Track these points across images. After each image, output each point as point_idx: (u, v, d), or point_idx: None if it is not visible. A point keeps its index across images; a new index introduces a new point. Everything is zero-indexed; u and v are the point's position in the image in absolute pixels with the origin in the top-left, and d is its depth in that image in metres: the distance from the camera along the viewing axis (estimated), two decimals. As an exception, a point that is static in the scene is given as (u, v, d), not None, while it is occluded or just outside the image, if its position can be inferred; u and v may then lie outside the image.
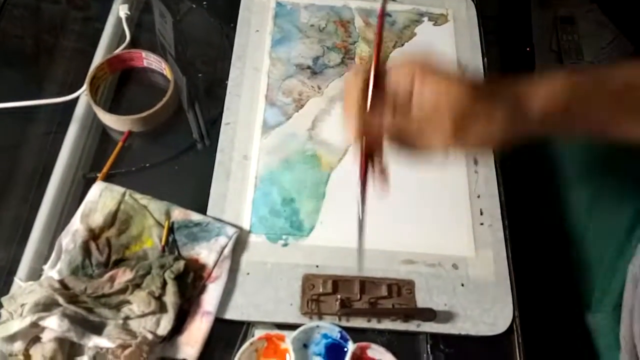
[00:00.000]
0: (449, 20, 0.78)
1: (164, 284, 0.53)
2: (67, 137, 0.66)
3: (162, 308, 0.53)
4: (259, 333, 0.54)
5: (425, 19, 0.78)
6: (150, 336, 0.51)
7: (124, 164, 0.64)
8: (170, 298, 0.53)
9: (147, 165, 0.65)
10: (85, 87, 0.67)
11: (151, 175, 0.64)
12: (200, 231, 0.58)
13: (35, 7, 0.80)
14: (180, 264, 0.54)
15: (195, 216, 0.59)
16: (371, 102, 0.44)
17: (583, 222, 0.71)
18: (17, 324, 0.50)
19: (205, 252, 0.57)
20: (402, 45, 0.75)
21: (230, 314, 0.55)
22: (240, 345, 0.53)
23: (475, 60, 0.74)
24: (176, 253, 0.57)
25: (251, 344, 0.52)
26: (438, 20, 0.78)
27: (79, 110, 0.68)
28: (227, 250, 0.57)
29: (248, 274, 0.57)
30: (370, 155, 0.46)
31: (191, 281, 0.55)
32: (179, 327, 0.53)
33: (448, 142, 0.44)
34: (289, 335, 0.52)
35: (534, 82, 0.46)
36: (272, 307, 0.56)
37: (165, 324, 0.52)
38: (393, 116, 0.44)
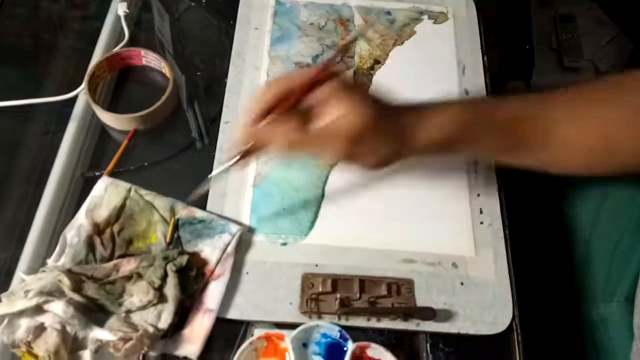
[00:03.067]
0: (448, 18, 0.77)
1: (165, 276, 0.53)
2: (66, 136, 0.65)
3: (161, 299, 0.52)
4: (258, 332, 0.54)
5: (425, 17, 0.77)
6: (151, 329, 0.51)
7: (122, 162, 0.64)
8: (171, 290, 0.53)
9: (146, 164, 0.64)
10: (84, 85, 0.67)
11: (150, 174, 0.64)
12: (204, 228, 0.58)
13: (34, 6, 0.80)
14: (184, 258, 0.54)
15: (200, 213, 0.59)
16: (277, 112, 0.49)
17: (591, 217, 0.71)
18: (23, 303, 0.50)
19: (208, 249, 0.57)
20: (402, 43, 0.75)
21: (230, 314, 0.55)
22: (240, 345, 0.53)
23: (475, 59, 0.74)
24: (180, 249, 0.57)
25: (250, 343, 0.52)
26: (438, 18, 0.77)
27: (78, 109, 0.67)
28: (230, 248, 0.57)
29: (247, 273, 0.57)
30: (248, 153, 0.51)
31: (194, 277, 0.55)
32: (180, 324, 0.53)
33: (338, 159, 0.51)
34: (289, 335, 0.52)
35: (422, 115, 0.51)
36: (271, 306, 0.56)
37: (166, 317, 0.52)
38: (295, 129, 0.48)
